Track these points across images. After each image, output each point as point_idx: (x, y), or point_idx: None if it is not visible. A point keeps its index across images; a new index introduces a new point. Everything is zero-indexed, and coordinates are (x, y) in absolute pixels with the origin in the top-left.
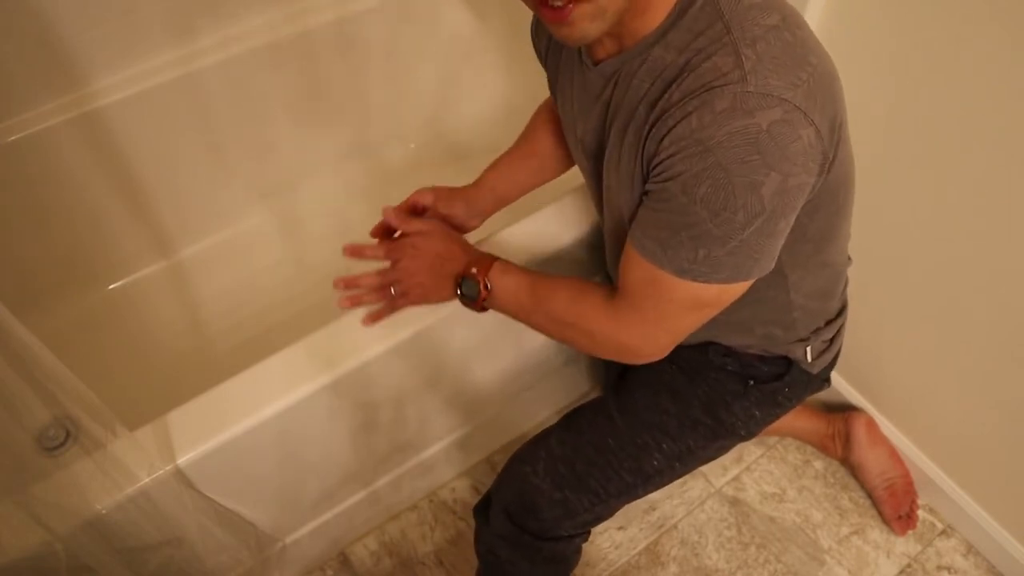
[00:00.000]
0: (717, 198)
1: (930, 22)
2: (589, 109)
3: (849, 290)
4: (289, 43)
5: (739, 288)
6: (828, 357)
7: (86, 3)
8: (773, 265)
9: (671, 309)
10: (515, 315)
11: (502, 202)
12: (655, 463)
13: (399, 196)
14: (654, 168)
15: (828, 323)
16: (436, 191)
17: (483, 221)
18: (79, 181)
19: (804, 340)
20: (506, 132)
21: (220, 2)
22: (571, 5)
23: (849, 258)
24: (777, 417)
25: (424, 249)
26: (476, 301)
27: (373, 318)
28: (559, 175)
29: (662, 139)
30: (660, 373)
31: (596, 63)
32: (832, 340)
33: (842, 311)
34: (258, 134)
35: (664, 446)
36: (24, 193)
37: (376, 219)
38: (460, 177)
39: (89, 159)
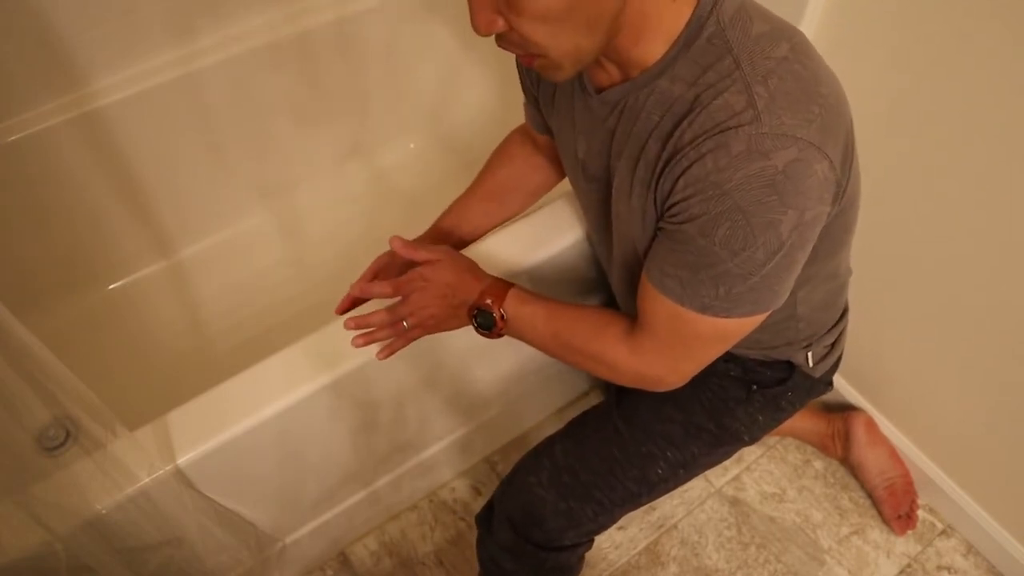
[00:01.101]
0: (736, 239)
1: (931, 18)
2: (591, 133)
3: (849, 290)
4: (289, 43)
5: (760, 318)
6: (830, 361)
7: (86, 3)
8: (788, 294)
9: (693, 342)
10: (531, 343)
11: (462, 244)
12: (659, 471)
13: (398, 196)
14: (669, 208)
15: (829, 330)
16: (392, 252)
17: None
18: (79, 181)
19: (806, 347)
20: (505, 132)
21: (220, 2)
22: (529, 57)
23: (849, 268)
24: (780, 422)
25: (435, 280)
26: (492, 331)
27: (387, 351)
28: (522, 211)
29: (677, 179)
30: None
31: (599, 90)
32: (833, 345)
33: (843, 317)
34: (258, 134)
35: (669, 454)
36: (24, 193)
37: (374, 221)
38: (459, 176)
39: (89, 159)
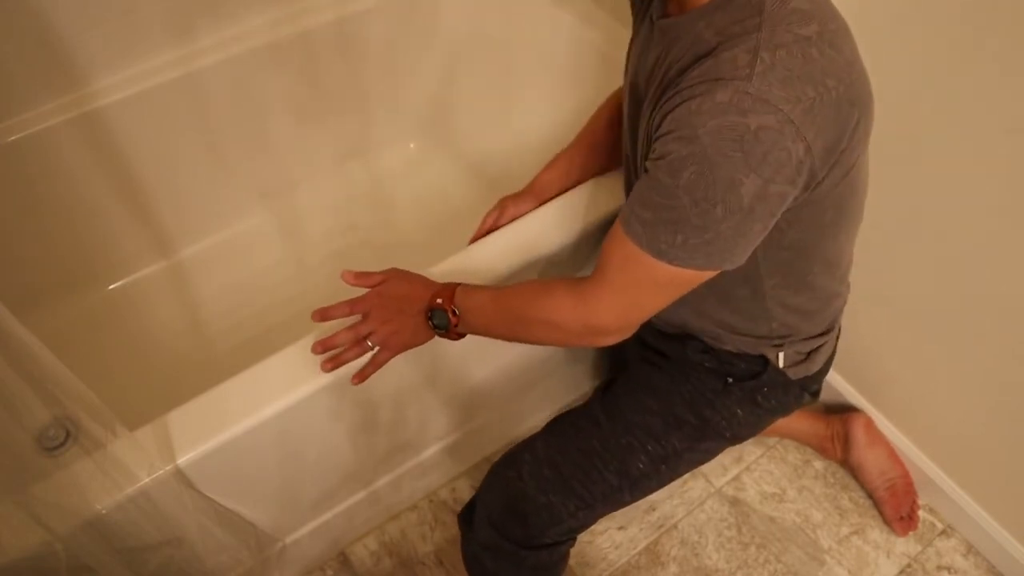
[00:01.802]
0: (698, 187)
1: (930, 19)
2: (645, 56)
3: (849, 294)
4: (289, 43)
5: (710, 274)
6: (806, 369)
7: (86, 3)
8: (744, 260)
9: (643, 287)
10: (488, 331)
11: (561, 192)
12: (640, 465)
13: (399, 196)
14: (654, 142)
15: (806, 339)
16: (504, 205)
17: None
18: (79, 181)
19: (778, 345)
20: (505, 131)
21: (220, 2)
22: None
23: (839, 292)
24: (760, 420)
25: (388, 295)
26: (450, 330)
27: (360, 377)
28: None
29: (666, 115)
30: (644, 375)
31: (662, 17)
32: (809, 354)
33: (825, 333)
34: (258, 134)
35: (649, 447)
36: (24, 193)
37: (375, 220)
38: (460, 175)
39: (89, 159)
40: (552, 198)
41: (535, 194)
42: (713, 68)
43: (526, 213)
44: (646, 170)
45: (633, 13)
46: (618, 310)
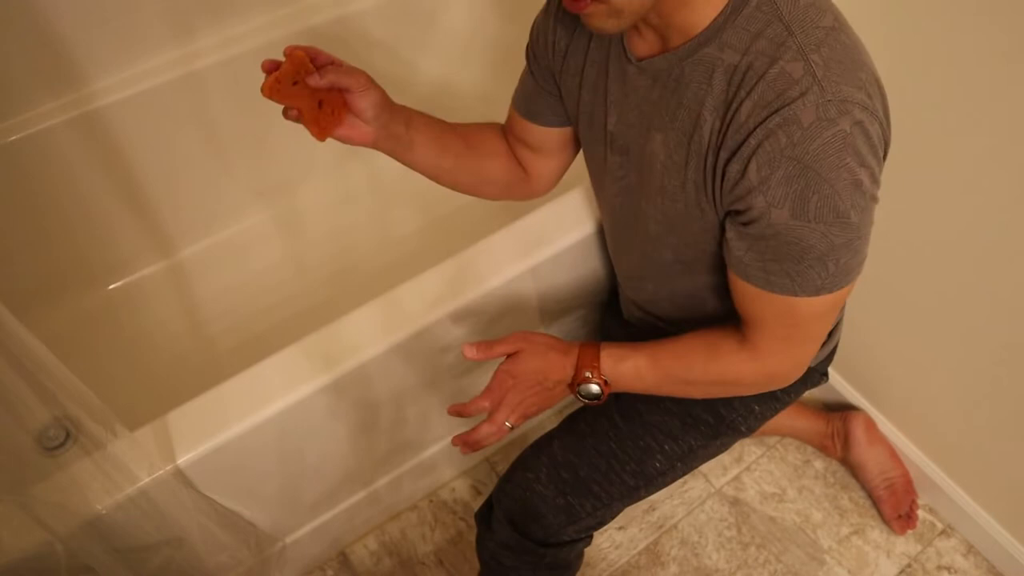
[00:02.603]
0: (829, 210)
1: (926, 17)
2: (625, 103)
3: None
4: (289, 43)
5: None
6: (827, 350)
7: (86, 3)
8: None
9: (811, 325)
10: (642, 392)
11: (402, 141)
12: (657, 464)
13: (399, 196)
14: (744, 196)
15: None
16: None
17: (372, 137)
18: (79, 181)
19: None
20: None
21: (220, 2)
22: (586, 1)
23: None
24: (775, 412)
25: (523, 374)
26: (601, 399)
27: (476, 447)
28: (454, 181)
29: (748, 161)
30: None
31: (640, 58)
32: (831, 334)
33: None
34: (258, 134)
35: (666, 447)
36: (24, 193)
37: (374, 221)
38: None
39: (89, 159)
40: (399, 125)
41: (376, 94)
42: (769, 91)
43: (350, 93)
44: (741, 234)
45: (565, 63)
46: (793, 355)
